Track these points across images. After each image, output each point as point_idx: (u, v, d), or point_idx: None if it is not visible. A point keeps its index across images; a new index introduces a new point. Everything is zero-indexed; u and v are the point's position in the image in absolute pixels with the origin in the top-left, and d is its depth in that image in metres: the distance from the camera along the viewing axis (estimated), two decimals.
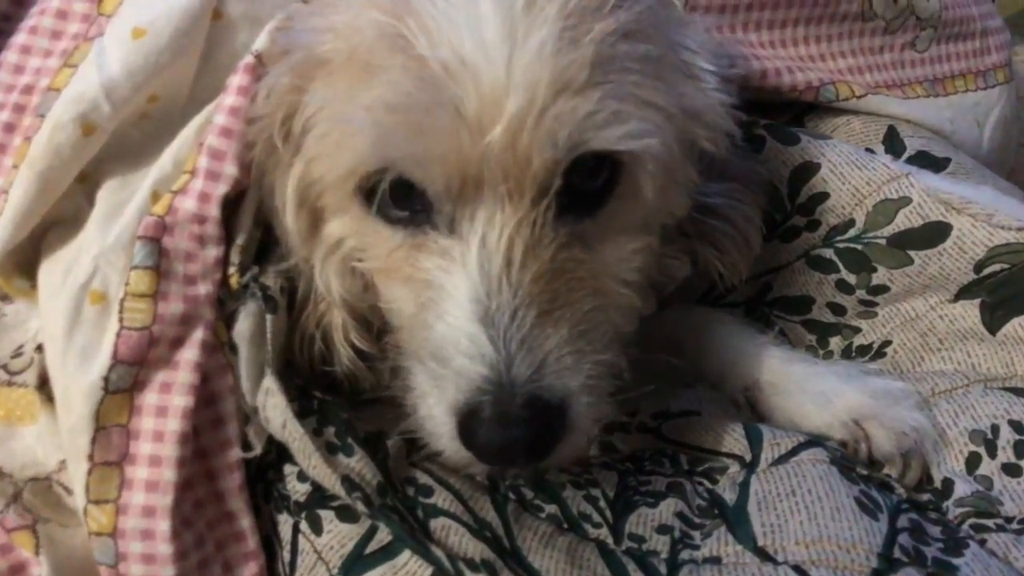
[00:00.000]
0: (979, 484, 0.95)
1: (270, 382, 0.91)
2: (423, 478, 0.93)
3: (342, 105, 0.85)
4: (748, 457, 0.97)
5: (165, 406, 0.90)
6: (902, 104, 1.23)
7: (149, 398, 0.90)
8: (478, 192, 0.83)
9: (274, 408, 0.91)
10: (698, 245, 0.98)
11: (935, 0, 1.27)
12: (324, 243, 0.95)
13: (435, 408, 0.85)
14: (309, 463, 0.89)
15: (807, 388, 1.04)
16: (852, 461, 0.96)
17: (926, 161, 1.18)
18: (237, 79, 0.93)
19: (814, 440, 0.97)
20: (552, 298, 0.84)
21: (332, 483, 0.88)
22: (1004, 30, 1.40)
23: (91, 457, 0.88)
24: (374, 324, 0.99)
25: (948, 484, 0.97)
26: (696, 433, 1.03)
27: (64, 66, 0.95)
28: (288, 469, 0.95)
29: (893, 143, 1.20)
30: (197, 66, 0.97)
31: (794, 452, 0.95)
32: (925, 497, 0.97)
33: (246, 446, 0.95)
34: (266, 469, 0.97)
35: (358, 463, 0.89)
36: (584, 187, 0.87)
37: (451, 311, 0.84)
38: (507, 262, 0.83)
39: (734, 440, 0.99)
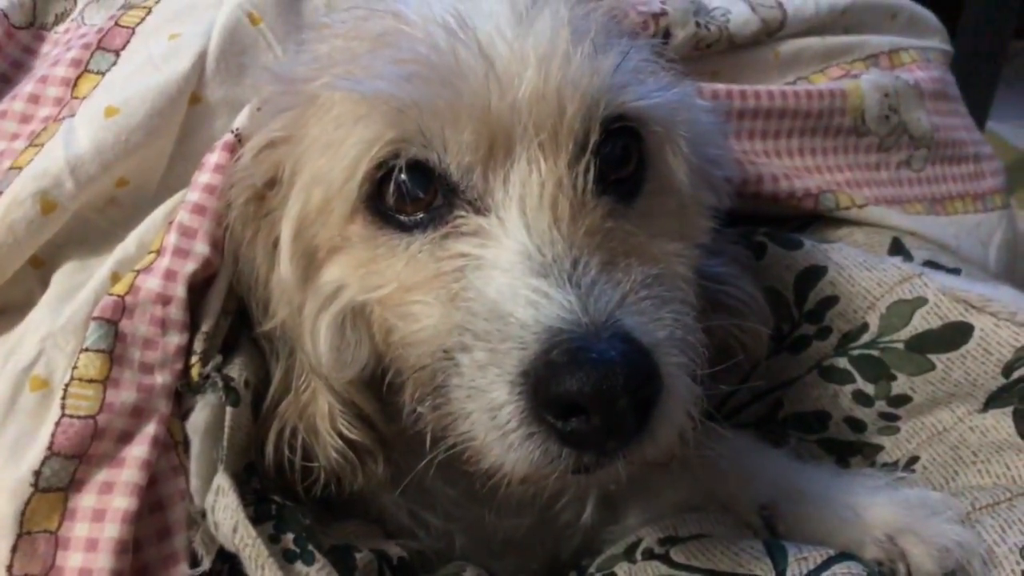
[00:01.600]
0: None
1: (222, 479, 0.81)
2: None
3: (346, 102, 0.79)
4: None
5: (103, 509, 0.79)
6: (905, 217, 1.20)
7: (86, 500, 0.79)
8: (509, 152, 0.76)
9: (224, 510, 0.79)
10: (713, 315, 0.89)
11: (926, 120, 1.27)
12: (319, 293, 0.84)
13: (495, 384, 0.69)
14: (262, 573, 0.77)
15: (832, 502, 0.93)
16: None
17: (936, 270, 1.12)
18: (214, 157, 0.89)
19: (847, 553, 0.85)
20: (612, 254, 0.74)
21: None
22: (995, 158, 1.40)
23: (10, 569, 0.76)
24: (363, 409, 0.88)
25: None
26: (710, 555, 0.90)
27: (29, 146, 0.91)
28: None
29: (899, 254, 1.15)
30: (171, 151, 0.93)
31: (825, 566, 0.83)
32: None
33: (194, 562, 0.82)
34: None
35: (319, 572, 0.78)
36: (616, 174, 0.81)
37: (500, 275, 0.72)
38: (554, 219, 0.74)
39: (754, 559, 0.87)
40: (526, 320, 0.69)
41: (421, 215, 0.79)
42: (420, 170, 0.78)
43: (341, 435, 0.87)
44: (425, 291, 0.77)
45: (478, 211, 0.77)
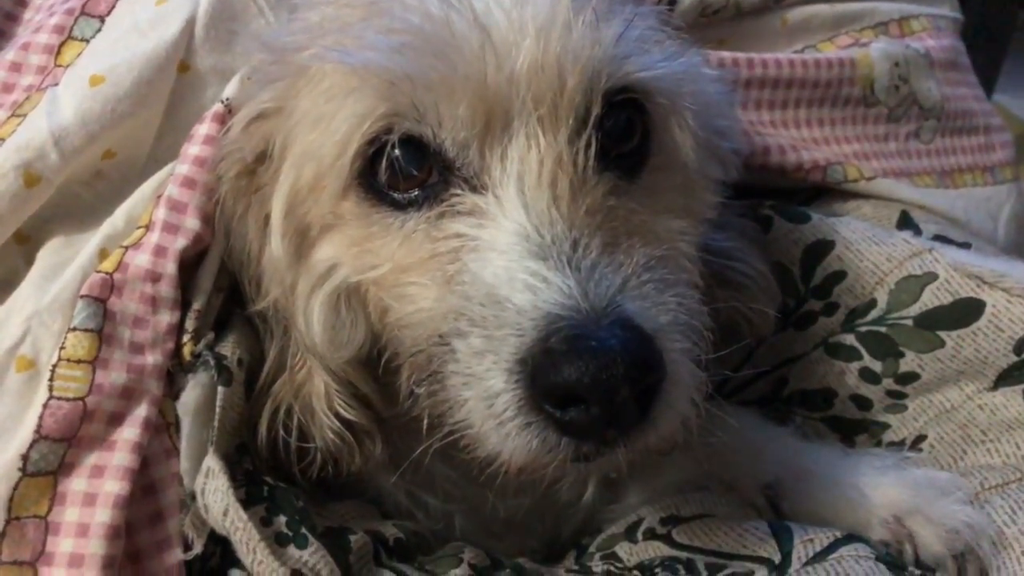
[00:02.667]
0: None
1: (212, 461, 0.78)
2: None
3: (336, 74, 0.76)
4: (777, 558, 0.84)
5: (94, 493, 0.77)
6: (914, 190, 1.17)
7: (76, 484, 0.77)
8: (507, 127, 0.73)
9: (215, 492, 0.77)
10: (719, 291, 0.87)
11: (936, 91, 1.24)
12: (312, 272, 0.82)
13: (491, 371, 0.67)
14: (253, 557, 0.75)
15: (837, 482, 0.92)
16: (901, 560, 0.83)
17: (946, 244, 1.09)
18: (204, 128, 0.86)
19: (853, 535, 0.84)
20: (614, 234, 0.71)
21: None
22: (1006, 129, 1.36)
23: None
24: (360, 389, 0.86)
25: None
26: (713, 536, 0.89)
27: (12, 116, 0.88)
28: (236, 575, 0.80)
29: (908, 228, 1.13)
30: (159, 121, 0.90)
31: (832, 548, 0.82)
32: None
33: (187, 546, 0.80)
34: None
35: (312, 556, 0.76)
36: (619, 148, 0.78)
37: (496, 257, 0.70)
38: (553, 197, 0.71)
39: (759, 540, 0.86)
40: (523, 305, 0.67)
41: (416, 192, 0.77)
42: (414, 146, 0.75)
43: (338, 415, 0.85)
44: (420, 272, 0.75)
45: (474, 189, 0.75)
